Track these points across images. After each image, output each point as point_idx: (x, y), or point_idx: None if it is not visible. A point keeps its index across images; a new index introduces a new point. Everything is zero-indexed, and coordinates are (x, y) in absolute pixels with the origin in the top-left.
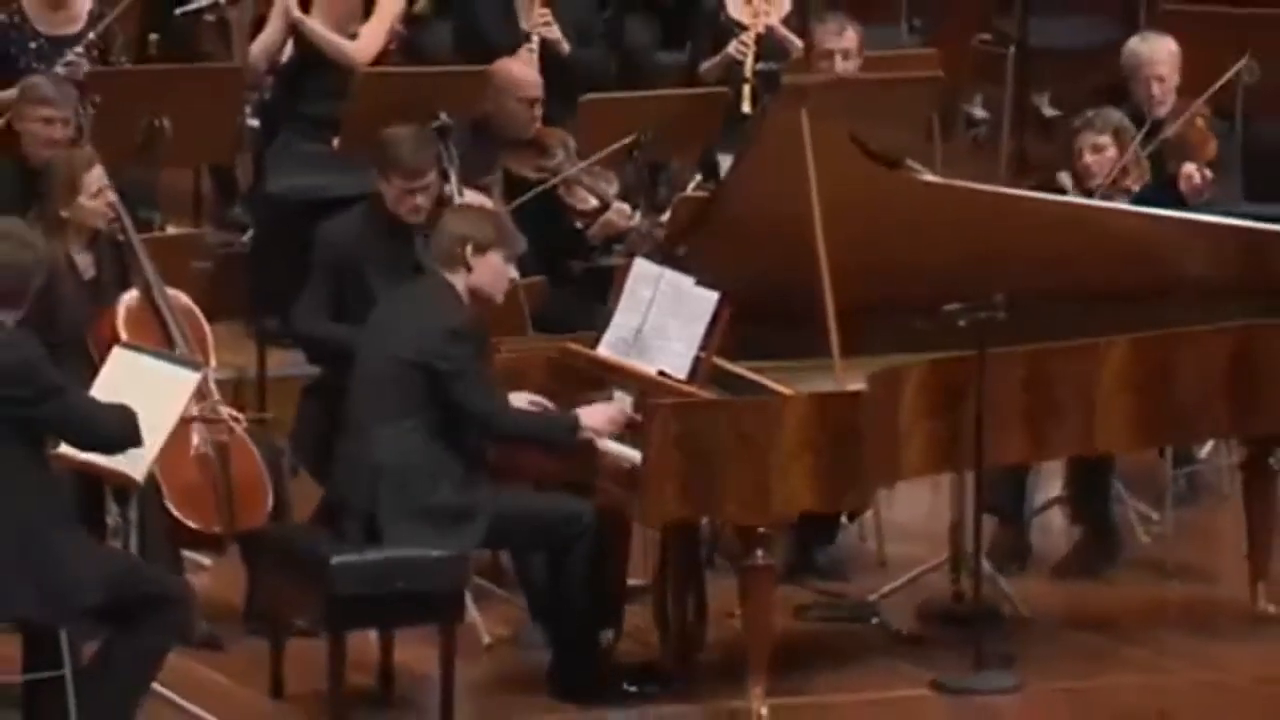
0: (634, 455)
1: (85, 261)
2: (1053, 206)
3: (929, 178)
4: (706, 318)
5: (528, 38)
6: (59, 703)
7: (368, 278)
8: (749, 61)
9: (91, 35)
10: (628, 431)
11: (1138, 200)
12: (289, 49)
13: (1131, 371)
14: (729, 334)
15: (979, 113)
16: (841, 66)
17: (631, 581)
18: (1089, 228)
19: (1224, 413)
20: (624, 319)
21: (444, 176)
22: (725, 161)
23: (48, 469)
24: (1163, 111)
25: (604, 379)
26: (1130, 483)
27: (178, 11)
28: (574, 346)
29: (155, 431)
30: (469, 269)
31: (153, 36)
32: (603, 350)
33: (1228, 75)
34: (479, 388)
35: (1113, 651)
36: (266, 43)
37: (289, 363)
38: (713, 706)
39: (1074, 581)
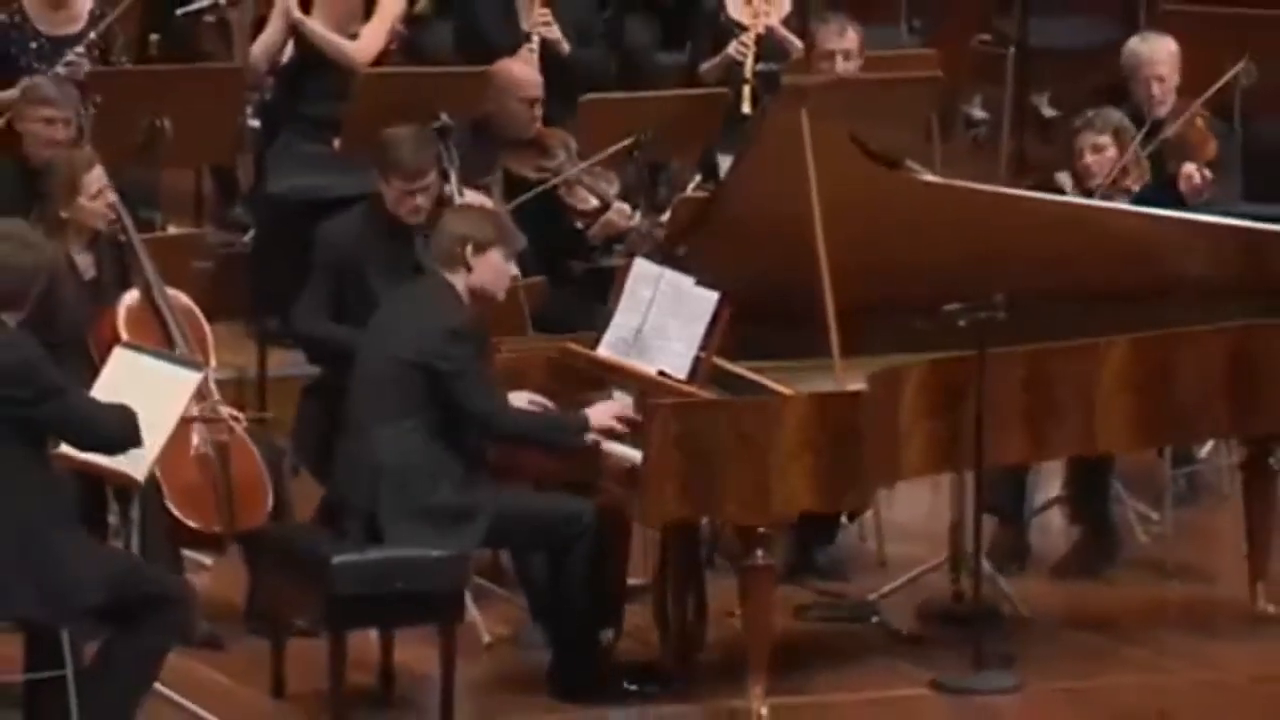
0: (634, 455)
1: (85, 262)
2: (1052, 206)
3: (929, 178)
4: (706, 318)
5: (528, 38)
6: (60, 702)
7: (368, 278)
8: (749, 62)
9: (92, 35)
10: (628, 431)
11: (1138, 200)
12: (289, 49)
13: (1131, 371)
14: (729, 334)
15: (978, 113)
16: (842, 67)
17: (631, 581)
18: (1089, 228)
19: (1224, 413)
20: (624, 319)
21: (444, 177)
22: (725, 162)
23: (48, 469)
24: (1163, 112)
25: (604, 379)
26: (1130, 483)
27: (178, 12)
28: (574, 346)
29: (156, 431)
30: (469, 269)
31: (153, 37)
32: (603, 350)
33: (1225, 78)
34: (479, 388)
35: (1113, 651)
36: (267, 43)
37: (289, 363)
38: (713, 706)
39: (1074, 581)
